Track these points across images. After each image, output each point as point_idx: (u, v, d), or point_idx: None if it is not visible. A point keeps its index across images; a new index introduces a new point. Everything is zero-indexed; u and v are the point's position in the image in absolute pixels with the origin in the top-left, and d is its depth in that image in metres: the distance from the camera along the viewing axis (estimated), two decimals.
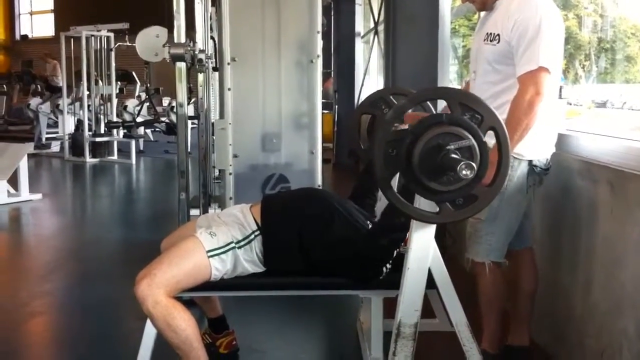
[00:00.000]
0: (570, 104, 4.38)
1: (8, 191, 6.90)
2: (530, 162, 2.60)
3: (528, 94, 2.40)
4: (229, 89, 3.97)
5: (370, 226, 2.57)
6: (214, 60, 4.50)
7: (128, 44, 10.41)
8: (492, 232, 2.65)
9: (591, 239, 2.62)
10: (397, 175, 2.08)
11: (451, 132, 1.97)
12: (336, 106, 10.17)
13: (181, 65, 3.88)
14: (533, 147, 2.59)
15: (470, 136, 1.97)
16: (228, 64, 3.95)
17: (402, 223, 2.33)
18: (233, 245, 2.43)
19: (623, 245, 2.35)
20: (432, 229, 2.16)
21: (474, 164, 1.91)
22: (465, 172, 1.90)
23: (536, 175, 2.64)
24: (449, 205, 2.03)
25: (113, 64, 11.18)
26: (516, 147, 2.49)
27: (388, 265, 2.48)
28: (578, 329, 2.69)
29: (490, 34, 2.58)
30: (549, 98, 2.49)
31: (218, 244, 2.41)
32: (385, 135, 2.03)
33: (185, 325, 2.33)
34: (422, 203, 2.07)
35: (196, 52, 3.89)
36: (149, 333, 2.64)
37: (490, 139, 1.98)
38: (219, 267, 2.41)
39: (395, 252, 2.47)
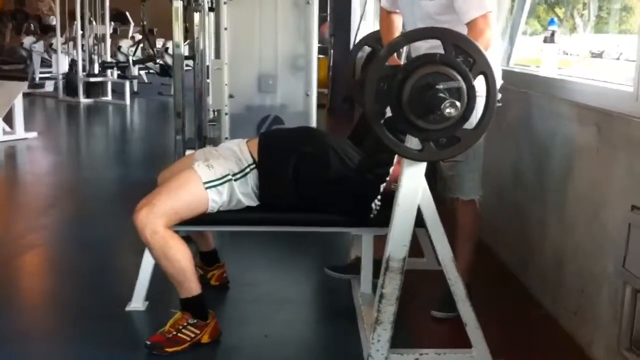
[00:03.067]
0: (567, 54, 4.39)
1: (3, 129, 6.90)
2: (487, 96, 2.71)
3: (485, 37, 2.45)
4: (226, 29, 3.97)
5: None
6: None
7: None
8: (473, 170, 2.78)
9: (577, 180, 2.69)
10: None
11: (442, 73, 2.01)
12: (332, 51, 10.11)
13: (178, 4, 3.87)
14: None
15: (460, 78, 2.01)
16: (224, 3, 3.94)
17: (385, 158, 2.40)
18: (230, 177, 2.49)
19: (607, 186, 2.41)
20: (422, 167, 2.21)
21: (458, 103, 1.96)
22: (449, 111, 1.95)
23: None
24: (432, 144, 2.08)
25: (107, 3, 11.04)
26: None
27: (377, 202, 2.54)
28: (560, 268, 2.78)
29: None
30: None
31: (215, 175, 2.47)
32: (378, 70, 2.07)
33: (180, 256, 2.41)
34: (409, 140, 2.13)
35: None
36: (146, 266, 2.73)
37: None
38: (216, 199, 2.47)
39: (381, 187, 2.55)
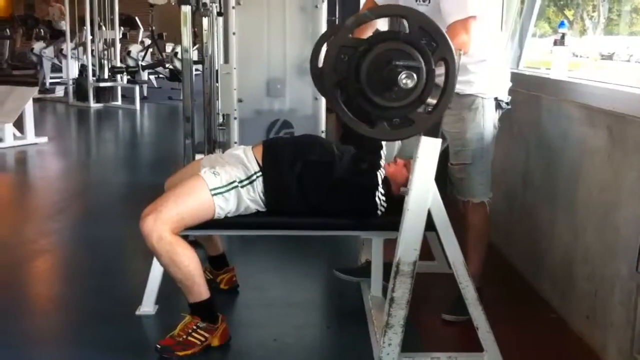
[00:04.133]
0: (577, 56, 4.38)
1: (14, 134, 6.94)
2: (495, 98, 2.75)
3: (458, 39, 2.42)
4: (234, 34, 3.98)
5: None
6: (218, 4, 4.50)
7: None
8: (482, 172, 2.78)
9: (588, 183, 2.67)
10: None
11: (403, 50, 1.99)
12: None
13: (186, 9, 3.87)
14: (495, 85, 2.74)
15: (420, 59, 1.99)
16: (233, 7, 3.95)
17: (372, 145, 2.39)
18: (236, 184, 2.49)
19: (619, 189, 2.40)
20: (432, 171, 2.21)
21: (415, 76, 1.94)
22: (406, 81, 1.94)
23: (501, 110, 2.78)
24: (385, 123, 2.07)
25: (116, 8, 11.09)
26: (480, 88, 2.66)
27: (382, 196, 2.54)
28: (573, 270, 2.76)
29: None
30: (494, 38, 2.68)
31: (221, 182, 2.47)
32: (341, 40, 2.05)
33: (188, 261, 2.41)
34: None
35: None
36: (156, 270, 2.73)
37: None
38: (223, 206, 2.47)
39: (379, 175, 2.57)
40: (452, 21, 2.49)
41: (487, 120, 2.73)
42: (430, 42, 2.02)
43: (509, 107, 2.81)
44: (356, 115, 2.09)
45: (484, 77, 2.66)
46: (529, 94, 3.23)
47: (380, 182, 2.56)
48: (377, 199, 2.54)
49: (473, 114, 2.70)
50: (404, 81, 1.94)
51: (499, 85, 2.78)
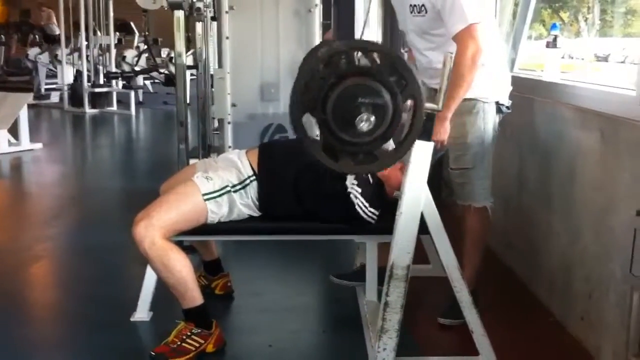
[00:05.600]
0: (572, 58, 4.38)
1: (9, 140, 6.92)
2: (496, 102, 2.75)
3: (470, 50, 2.48)
4: (227, 38, 3.97)
5: None
6: (212, 8, 4.49)
7: None
8: (483, 176, 2.78)
9: (581, 186, 2.67)
10: None
11: (371, 87, 2.00)
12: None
13: (179, 14, 3.87)
14: (496, 89, 2.74)
15: (387, 96, 2.00)
16: (226, 12, 3.93)
17: None
18: (228, 189, 2.49)
19: (612, 191, 2.40)
20: (424, 175, 2.20)
21: (373, 119, 1.95)
22: (362, 125, 1.94)
23: (502, 114, 2.78)
24: (349, 157, 2.08)
25: (111, 14, 11.08)
26: (480, 92, 2.65)
27: (364, 208, 2.54)
28: (568, 273, 2.76)
29: (415, 5, 2.64)
30: (493, 42, 2.68)
31: (214, 187, 2.47)
32: (310, 69, 2.07)
33: (180, 267, 2.40)
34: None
35: (194, 1, 3.88)
36: (151, 276, 2.72)
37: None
38: (215, 210, 2.47)
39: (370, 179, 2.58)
40: (455, 32, 2.51)
41: (488, 125, 2.73)
42: (399, 80, 2.03)
43: (510, 110, 2.81)
44: (321, 146, 2.11)
45: (485, 81, 2.65)
46: (522, 96, 3.22)
47: (350, 189, 2.55)
48: (357, 207, 2.54)
49: (474, 118, 2.70)
50: (361, 124, 1.95)
51: (500, 89, 2.78)
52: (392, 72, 2.03)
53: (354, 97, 1.98)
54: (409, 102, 2.08)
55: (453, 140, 2.73)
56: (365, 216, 2.54)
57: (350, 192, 2.53)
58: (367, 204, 2.53)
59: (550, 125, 3.00)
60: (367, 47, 2.14)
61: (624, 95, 2.56)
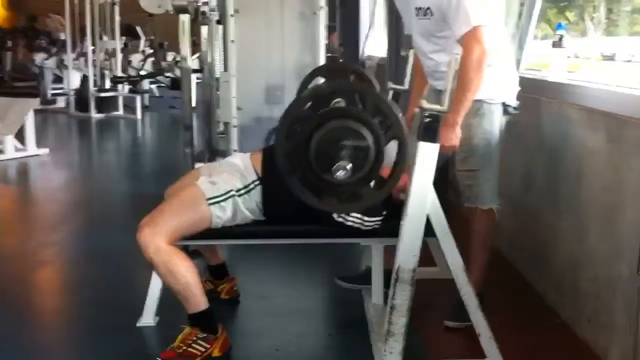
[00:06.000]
0: (578, 57, 4.36)
1: (15, 146, 6.92)
2: (503, 103, 2.73)
3: (475, 53, 2.46)
4: (233, 41, 3.98)
5: None
6: (217, 12, 4.49)
7: None
8: (488, 178, 2.76)
9: (589, 186, 2.65)
10: None
11: (355, 129, 2.02)
12: (341, 60, 10.09)
13: (185, 18, 3.88)
14: (502, 90, 2.73)
15: (370, 139, 2.03)
16: (231, 15, 3.95)
17: None
18: (233, 193, 2.48)
19: (619, 191, 2.38)
20: (430, 177, 2.19)
21: (349, 167, 1.96)
22: (339, 173, 1.96)
23: (509, 115, 2.76)
24: (333, 197, 2.11)
25: (117, 19, 11.11)
26: (486, 93, 2.63)
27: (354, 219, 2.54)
28: (575, 274, 2.74)
29: (420, 8, 2.63)
30: (500, 43, 2.66)
31: (218, 192, 2.46)
32: (294, 111, 2.12)
33: (185, 272, 2.40)
34: None
35: (199, 4, 3.89)
36: (157, 281, 2.72)
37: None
38: (220, 215, 2.46)
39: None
40: (460, 34, 2.50)
41: (494, 126, 2.71)
42: (383, 121, 2.06)
43: (517, 111, 2.79)
44: (305, 185, 2.15)
45: (491, 82, 2.62)
46: (528, 96, 3.20)
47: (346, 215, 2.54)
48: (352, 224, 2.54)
49: (479, 119, 2.68)
50: (338, 173, 1.97)
51: (507, 90, 2.75)
52: (376, 113, 2.06)
53: (336, 140, 2.01)
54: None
55: (460, 142, 2.72)
56: (364, 228, 2.53)
57: (335, 220, 2.53)
58: (362, 217, 2.53)
59: (556, 125, 2.99)
60: (351, 89, 2.17)
61: (630, 94, 2.55)
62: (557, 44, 3.19)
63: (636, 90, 2.49)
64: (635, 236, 2.19)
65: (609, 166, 2.48)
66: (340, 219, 2.53)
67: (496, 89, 2.70)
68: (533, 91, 3.23)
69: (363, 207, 2.26)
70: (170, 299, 2.58)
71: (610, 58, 4.34)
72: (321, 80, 3.29)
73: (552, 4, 4.53)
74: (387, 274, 2.45)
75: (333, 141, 2.02)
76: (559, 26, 3.24)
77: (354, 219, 2.52)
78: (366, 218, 2.52)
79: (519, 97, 2.79)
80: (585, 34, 4.58)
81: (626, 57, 4.10)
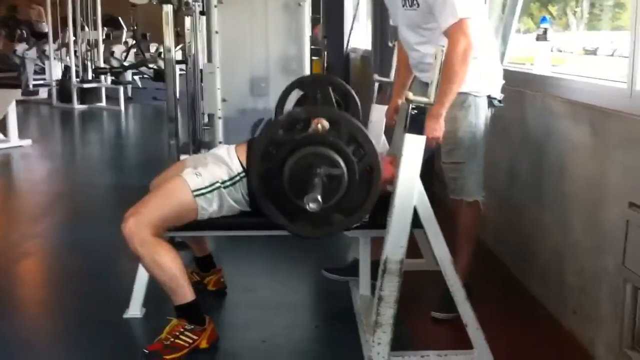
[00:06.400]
0: (561, 51, 4.39)
1: None
2: (488, 96, 2.75)
3: (461, 45, 2.47)
4: (217, 32, 3.96)
5: None
6: (200, 3, 4.47)
7: None
8: (474, 171, 2.78)
9: (573, 179, 2.67)
10: None
11: (328, 156, 2.06)
12: (325, 52, 10.08)
13: (168, 8, 3.85)
14: (488, 82, 2.74)
15: (344, 167, 2.07)
16: (215, 6, 3.92)
17: None
18: (219, 185, 2.46)
19: (604, 184, 2.40)
20: (417, 169, 2.20)
21: (320, 199, 1.97)
22: (311, 205, 1.96)
23: (494, 107, 2.78)
24: (305, 221, 2.15)
25: (99, 9, 11.02)
26: (472, 86, 2.64)
27: None
28: (560, 266, 2.77)
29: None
30: (485, 36, 2.68)
31: (203, 183, 2.45)
32: (272, 133, 2.14)
33: (171, 263, 2.39)
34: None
35: None
36: (143, 272, 2.71)
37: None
38: (205, 207, 2.45)
39: None
40: (446, 26, 2.51)
41: (480, 119, 2.73)
42: (358, 149, 2.09)
43: (502, 104, 2.81)
44: (279, 209, 2.20)
45: (476, 75, 2.64)
46: (513, 89, 3.22)
47: None
48: None
49: (465, 112, 2.69)
50: (310, 205, 1.97)
51: (492, 83, 2.77)
52: (350, 141, 2.09)
53: (309, 166, 2.05)
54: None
55: (445, 135, 2.73)
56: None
57: None
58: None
59: (541, 118, 3.01)
60: (328, 115, 2.19)
61: (614, 88, 2.56)
62: (542, 37, 3.21)
63: (621, 83, 2.50)
64: (620, 228, 2.21)
65: (593, 159, 2.50)
66: None
67: (482, 82, 2.71)
68: (518, 84, 3.24)
69: (335, 233, 2.30)
70: (157, 290, 2.57)
71: (593, 52, 4.37)
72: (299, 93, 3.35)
73: None
74: (375, 265, 2.46)
75: (306, 167, 2.05)
76: (543, 19, 3.26)
77: None
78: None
79: (503, 90, 2.81)
80: (568, 28, 4.61)
81: (609, 51, 4.13)
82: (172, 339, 2.45)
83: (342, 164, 2.06)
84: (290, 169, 2.05)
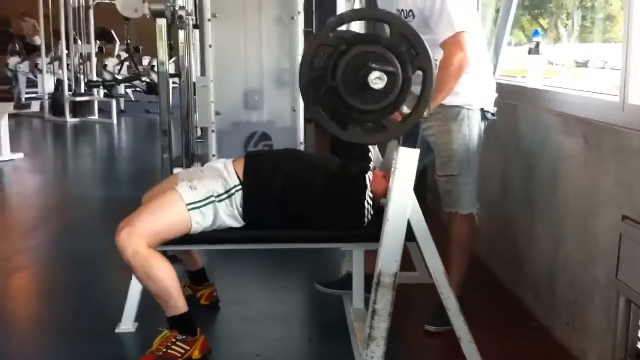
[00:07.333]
0: (552, 64, 4.41)
1: None
2: (482, 109, 2.76)
3: (457, 58, 2.49)
4: (210, 46, 3.96)
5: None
6: (194, 16, 4.48)
7: (107, 1, 10.25)
8: (468, 183, 2.78)
9: (565, 192, 2.68)
10: None
11: (382, 55, 1.98)
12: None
13: (162, 22, 3.85)
14: (481, 96, 2.76)
15: (398, 65, 1.98)
16: (209, 20, 3.93)
17: (361, 151, 2.47)
18: (213, 199, 2.46)
19: (596, 197, 2.41)
20: (411, 182, 2.20)
21: (386, 77, 1.92)
22: (376, 82, 1.92)
23: (487, 121, 2.79)
24: (358, 126, 2.06)
25: (92, 22, 11.02)
26: (465, 99, 2.67)
27: (370, 202, 2.53)
28: (552, 279, 2.77)
29: (402, 10, 2.66)
30: (479, 51, 2.68)
31: (198, 197, 2.44)
32: (322, 37, 2.05)
33: (164, 276, 2.39)
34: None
35: (177, 9, 3.87)
36: (136, 287, 2.70)
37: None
38: (199, 220, 2.44)
39: (367, 179, 2.54)
40: (443, 39, 2.52)
41: (474, 132, 2.74)
42: (410, 50, 2.02)
43: (495, 118, 2.82)
44: (330, 116, 2.09)
45: (470, 88, 2.66)
46: (506, 103, 3.24)
47: (368, 185, 2.54)
48: (366, 202, 2.52)
49: (459, 125, 2.71)
50: (374, 81, 1.93)
51: (485, 97, 2.79)
52: (402, 41, 2.01)
53: (364, 63, 1.96)
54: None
55: (439, 148, 2.74)
56: (367, 217, 2.53)
57: (368, 196, 2.53)
58: (372, 205, 2.54)
59: (534, 131, 3.02)
60: (376, 16, 2.12)
61: (607, 101, 2.57)
62: (534, 50, 3.22)
63: (613, 97, 2.51)
64: (613, 241, 2.22)
65: (586, 172, 2.51)
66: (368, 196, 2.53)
67: (475, 96, 2.73)
68: (511, 97, 3.26)
69: (388, 139, 2.19)
70: (150, 304, 2.56)
71: (584, 65, 4.39)
72: None
73: (526, 12, 4.58)
74: (368, 278, 2.45)
75: (361, 65, 1.96)
76: (536, 33, 3.28)
77: (368, 203, 2.53)
78: (372, 210, 2.54)
79: (496, 104, 2.82)
80: (559, 40, 4.63)
81: (600, 64, 4.15)
82: (164, 350, 2.44)
83: (396, 63, 2.00)
84: (344, 68, 1.96)
